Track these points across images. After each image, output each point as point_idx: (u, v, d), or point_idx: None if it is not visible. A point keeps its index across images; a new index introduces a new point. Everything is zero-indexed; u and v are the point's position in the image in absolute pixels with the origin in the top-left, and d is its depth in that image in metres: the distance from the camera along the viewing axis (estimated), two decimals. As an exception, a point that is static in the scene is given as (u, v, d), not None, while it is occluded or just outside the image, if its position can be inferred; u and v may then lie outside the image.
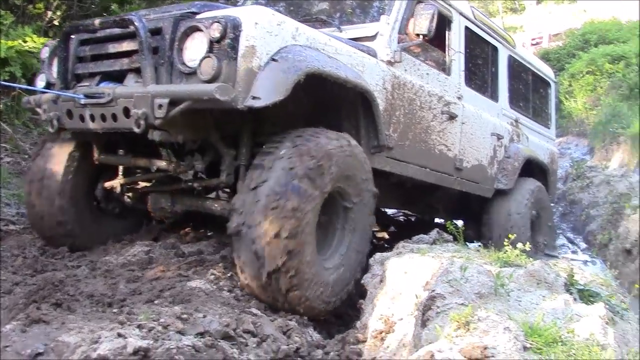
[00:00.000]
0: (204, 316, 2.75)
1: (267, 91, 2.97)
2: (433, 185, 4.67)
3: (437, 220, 6.56)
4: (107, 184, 4.00)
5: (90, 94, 3.30)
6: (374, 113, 3.67)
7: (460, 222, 6.27)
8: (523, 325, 2.21)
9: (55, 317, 2.68)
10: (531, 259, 4.00)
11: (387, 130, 3.93)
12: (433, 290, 2.66)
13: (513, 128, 5.74)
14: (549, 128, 6.72)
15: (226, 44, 2.93)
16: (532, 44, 19.23)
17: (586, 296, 3.11)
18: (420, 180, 4.44)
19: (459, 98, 4.79)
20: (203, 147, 3.53)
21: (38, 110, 3.69)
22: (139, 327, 2.49)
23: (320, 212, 3.22)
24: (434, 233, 4.94)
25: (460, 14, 4.88)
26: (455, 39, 4.80)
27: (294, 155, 3.06)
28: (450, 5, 4.72)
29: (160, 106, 3.00)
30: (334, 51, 3.47)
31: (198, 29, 3.05)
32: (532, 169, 6.03)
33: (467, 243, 5.84)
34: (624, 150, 9.78)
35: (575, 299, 2.90)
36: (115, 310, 2.96)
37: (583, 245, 8.18)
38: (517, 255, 3.86)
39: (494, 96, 5.50)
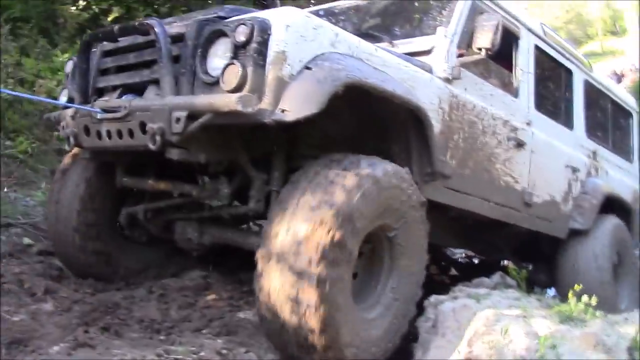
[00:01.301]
0: (246, 351, 2.70)
1: (298, 103, 2.54)
2: (497, 221, 4.10)
3: (504, 262, 5.95)
4: (130, 210, 3.65)
5: (107, 108, 2.97)
6: (427, 135, 3.18)
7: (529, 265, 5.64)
8: None
9: (101, 342, 2.71)
10: (598, 314, 3.44)
11: (443, 155, 3.42)
12: (470, 352, 2.21)
13: (590, 160, 5.09)
14: (631, 163, 6.00)
15: (252, 49, 2.54)
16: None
17: None
18: (483, 216, 3.88)
19: (527, 123, 4.23)
20: (231, 170, 3.14)
21: (58, 127, 3.41)
22: None
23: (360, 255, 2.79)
24: (496, 277, 4.43)
25: (529, 30, 4.36)
26: (524, 58, 4.26)
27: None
28: (517, 19, 4.21)
29: (177, 120, 2.62)
30: (381, 63, 3.02)
31: (223, 34, 2.68)
32: (612, 208, 5.34)
33: (540, 289, 5.21)
34: None
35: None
36: (162, 338, 3.00)
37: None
38: (585, 310, 3.29)
39: (568, 123, 4.90)
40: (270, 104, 2.55)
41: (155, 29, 2.79)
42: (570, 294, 3.61)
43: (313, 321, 2.44)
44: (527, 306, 3.42)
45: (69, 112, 3.24)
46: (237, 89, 2.53)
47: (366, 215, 2.66)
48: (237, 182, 3.13)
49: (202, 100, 2.59)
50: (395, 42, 3.76)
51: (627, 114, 6.04)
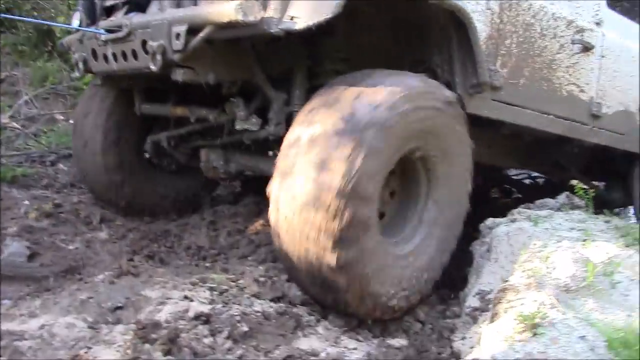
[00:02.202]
0: (288, 279, 2.58)
1: (309, 8, 2.18)
2: (561, 137, 3.65)
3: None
4: (154, 139, 3.45)
5: (110, 27, 2.71)
6: (472, 40, 2.74)
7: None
8: (608, 333, 1.76)
9: (145, 270, 2.73)
10: None
11: (492, 64, 2.98)
12: (506, 281, 2.01)
13: (675, 64, 4.45)
14: None
15: None
16: None
17: None
18: (543, 131, 3.44)
19: (597, 24, 3.67)
20: (250, 90, 2.84)
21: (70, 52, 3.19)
22: (211, 289, 2.42)
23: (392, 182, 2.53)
24: (562, 197, 4.00)
25: None
26: (594, -54, 3.65)
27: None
28: None
29: (177, 36, 2.33)
30: (412, -43, 2.59)
31: None
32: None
33: (614, 210, 4.72)
34: None
35: None
36: (207, 265, 3.01)
37: None
38: None
39: (648, 22, 4.27)
40: (277, 10, 2.21)
41: None
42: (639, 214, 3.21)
43: (331, 258, 2.18)
44: (591, 229, 3.07)
45: (77, 35, 3.00)
46: None
47: (392, 140, 2.32)
48: (256, 104, 2.84)
49: (201, 10, 2.28)
50: None
51: None
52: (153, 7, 2.63)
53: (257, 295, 2.45)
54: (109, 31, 2.71)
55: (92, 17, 2.96)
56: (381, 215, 2.68)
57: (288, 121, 2.71)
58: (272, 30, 2.20)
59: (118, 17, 2.77)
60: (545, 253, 2.33)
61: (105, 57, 2.79)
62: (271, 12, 2.20)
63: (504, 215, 3.79)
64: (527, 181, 5.46)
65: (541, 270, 2.13)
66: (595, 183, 4.71)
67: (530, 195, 5.18)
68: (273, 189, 2.36)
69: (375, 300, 2.37)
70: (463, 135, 2.69)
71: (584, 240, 2.72)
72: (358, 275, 2.27)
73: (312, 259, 2.25)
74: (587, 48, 3.54)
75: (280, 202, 2.30)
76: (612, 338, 1.71)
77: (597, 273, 2.17)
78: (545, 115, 3.38)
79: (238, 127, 2.91)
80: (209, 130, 3.28)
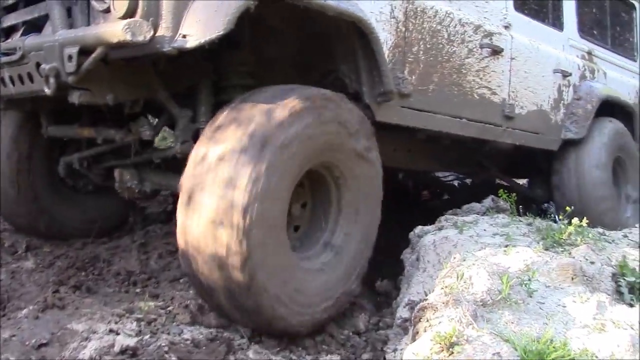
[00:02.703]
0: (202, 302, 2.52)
1: (200, 26, 2.16)
2: (476, 139, 3.73)
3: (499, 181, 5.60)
4: (67, 160, 3.37)
5: (5, 50, 2.62)
6: (374, 49, 2.77)
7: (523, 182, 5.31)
8: (523, 346, 1.76)
9: (72, 301, 2.63)
10: (591, 234, 3.13)
11: (400, 72, 3.03)
12: (425, 300, 1.95)
13: (585, 62, 4.61)
14: (635, 61, 5.47)
15: None
16: None
17: (637, 294, 2.45)
18: (456, 135, 3.51)
19: (505, 27, 3.77)
20: (158, 108, 2.80)
21: None
22: (138, 320, 2.36)
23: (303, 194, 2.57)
24: (487, 201, 4.14)
25: None
26: (498, -48, 3.75)
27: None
28: None
29: (70, 57, 2.27)
30: (313, -30, 2.59)
31: (114, -49, 2.28)
32: (613, 112, 4.90)
33: (539, 206, 4.87)
34: None
35: (616, 299, 2.34)
36: (137, 290, 2.96)
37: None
38: (577, 231, 2.96)
39: (556, 24, 4.40)
40: (169, 29, 2.18)
41: None
42: (560, 216, 3.30)
43: (240, 278, 2.16)
44: (513, 233, 3.17)
45: None
46: (129, 14, 2.16)
47: (296, 156, 2.33)
48: (163, 122, 2.80)
49: (92, 31, 2.23)
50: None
51: (630, 7, 5.45)
52: (47, 29, 2.55)
53: (191, 322, 2.42)
54: (4, 54, 2.62)
55: (-11, 39, 2.85)
56: (296, 228, 2.69)
57: (195, 138, 2.69)
58: (164, 49, 2.17)
59: (14, 39, 2.68)
60: (463, 268, 2.35)
61: (3, 81, 2.70)
62: (163, 30, 2.17)
63: (434, 218, 3.86)
64: (455, 182, 5.56)
65: (459, 286, 2.14)
66: (517, 180, 4.85)
67: (459, 196, 5.31)
68: (179, 210, 2.32)
69: (287, 319, 2.36)
70: (371, 144, 2.71)
71: (506, 247, 2.79)
72: (268, 295, 2.26)
73: (221, 280, 2.23)
74: (496, 51, 3.63)
75: (187, 223, 2.27)
76: (526, 350, 1.72)
77: (515, 283, 2.18)
78: (457, 119, 3.44)
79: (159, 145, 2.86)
80: (121, 150, 3.21)
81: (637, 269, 2.58)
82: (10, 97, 2.89)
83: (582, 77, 4.54)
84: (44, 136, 3.27)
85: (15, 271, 3.05)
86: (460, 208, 4.08)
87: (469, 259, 2.52)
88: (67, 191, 3.59)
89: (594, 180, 4.30)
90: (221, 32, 2.15)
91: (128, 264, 3.23)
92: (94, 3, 2.32)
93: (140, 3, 2.15)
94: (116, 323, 2.30)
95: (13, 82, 2.63)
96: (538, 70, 4.04)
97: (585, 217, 2.93)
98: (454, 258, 2.59)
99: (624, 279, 2.48)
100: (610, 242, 3.29)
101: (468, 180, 5.56)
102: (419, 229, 3.48)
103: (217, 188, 2.18)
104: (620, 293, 2.45)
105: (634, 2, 5.46)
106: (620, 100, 4.77)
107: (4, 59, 2.60)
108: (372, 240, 2.82)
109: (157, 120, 2.96)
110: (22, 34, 2.71)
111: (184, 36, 2.17)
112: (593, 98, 4.44)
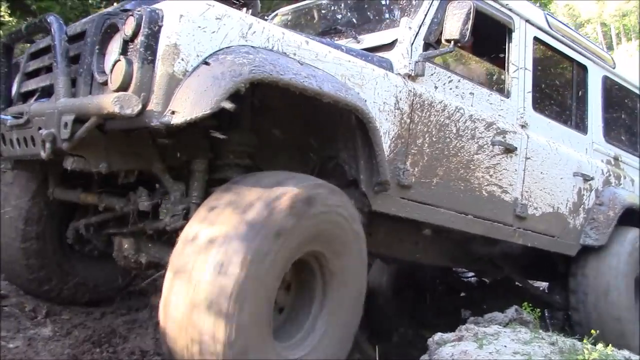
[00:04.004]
0: None
1: (188, 104, 2.20)
2: (487, 237, 3.62)
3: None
4: (75, 225, 3.42)
5: (14, 114, 2.73)
6: (372, 139, 2.76)
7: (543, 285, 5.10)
8: None
9: None
10: None
11: (401, 162, 3.01)
12: None
13: (610, 167, 4.50)
14: (668, 169, 5.30)
15: (140, 42, 2.23)
16: None
17: None
18: (460, 231, 3.42)
19: (522, 126, 3.73)
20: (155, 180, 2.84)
21: None
22: None
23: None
24: (511, 311, 4.00)
25: (527, 21, 3.85)
26: (518, 52, 3.76)
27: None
28: (510, 9, 3.72)
29: (65, 125, 2.34)
30: (314, 57, 2.65)
31: (117, 28, 2.39)
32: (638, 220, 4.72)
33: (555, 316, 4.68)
34: None
35: None
36: None
37: None
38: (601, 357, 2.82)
39: (580, 127, 4.34)
40: (159, 104, 2.22)
41: (52, 26, 2.53)
42: (585, 340, 3.14)
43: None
44: (535, 353, 3.02)
45: None
46: (123, 87, 2.22)
47: (288, 245, 2.32)
48: (160, 194, 2.82)
49: (86, 101, 2.30)
50: (361, 36, 3.38)
51: (663, 115, 5.34)
52: (53, 95, 2.66)
53: None
54: (15, 117, 2.73)
55: (8, 102, 2.99)
56: (280, 310, 2.63)
57: (186, 213, 2.70)
58: (152, 124, 2.21)
59: (25, 105, 2.81)
60: None
61: (12, 142, 2.80)
62: (153, 105, 2.22)
63: (449, 314, 3.69)
64: (473, 279, 5.38)
65: None
66: (532, 282, 4.66)
67: (477, 294, 5.13)
68: (165, 287, 2.29)
69: None
70: (358, 234, 2.67)
71: None
72: None
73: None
74: (509, 150, 3.58)
75: (171, 302, 2.23)
76: None
77: None
78: (463, 215, 3.36)
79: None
80: (123, 219, 3.25)
81: None
82: (18, 159, 2.99)
83: (606, 182, 4.42)
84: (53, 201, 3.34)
85: (32, 338, 3.04)
86: (482, 316, 3.94)
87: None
88: (77, 256, 3.61)
89: (613, 291, 4.07)
90: (208, 111, 2.18)
91: (143, 342, 3.21)
92: (97, 76, 2.42)
93: (134, 78, 2.21)
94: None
95: (19, 144, 2.73)
96: (555, 171, 3.95)
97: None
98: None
99: None
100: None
101: (487, 279, 5.38)
102: (437, 336, 3.34)
103: (207, 272, 2.15)
104: None
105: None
106: (647, 209, 4.59)
107: (13, 122, 2.70)
108: (355, 329, 2.74)
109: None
110: (36, 99, 2.84)
111: (173, 112, 2.21)
112: (616, 205, 4.29)
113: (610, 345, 2.78)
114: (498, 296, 5.05)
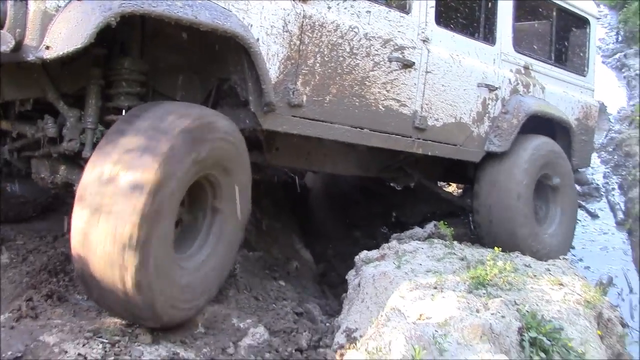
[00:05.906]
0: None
1: (61, 38, 2.35)
2: (387, 149, 3.88)
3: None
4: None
5: None
6: (255, 63, 2.94)
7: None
8: None
9: (44, 310, 2.77)
10: (513, 274, 3.32)
11: (291, 83, 3.20)
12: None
13: (519, 76, 4.70)
14: (584, 76, 5.51)
15: None
16: None
17: (537, 347, 2.66)
18: (358, 144, 3.67)
19: (423, 41, 3.90)
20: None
21: None
22: (103, 344, 2.48)
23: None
24: (430, 226, 4.38)
25: None
26: (419, -32, 3.87)
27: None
28: None
29: None
30: (192, -12, 2.77)
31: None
32: (553, 127, 4.99)
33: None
34: None
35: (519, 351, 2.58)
36: None
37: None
38: (501, 271, 3.19)
39: (488, 38, 4.51)
40: (34, 39, 2.37)
41: None
42: (489, 257, 3.45)
43: (129, 280, 2.39)
44: (446, 270, 3.38)
45: None
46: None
47: (184, 169, 2.57)
48: (62, 121, 3.01)
49: None
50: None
51: (581, 22, 5.48)
52: None
53: (154, 341, 2.59)
54: None
55: None
56: (177, 224, 2.90)
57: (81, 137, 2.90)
58: (28, 59, 2.37)
59: None
60: (385, 330, 2.46)
61: None
62: (28, 41, 2.37)
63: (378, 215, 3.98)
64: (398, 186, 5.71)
65: (378, 351, 2.29)
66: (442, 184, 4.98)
67: (400, 197, 5.48)
68: (80, 218, 2.48)
69: (172, 314, 2.63)
70: (242, 155, 2.94)
71: (434, 288, 3.01)
72: (155, 292, 2.50)
73: (117, 282, 2.43)
74: (407, 65, 3.76)
75: (91, 235, 2.46)
76: None
77: (429, 343, 2.33)
78: (358, 129, 3.59)
79: None
80: (39, 143, 3.43)
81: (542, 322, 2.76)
82: None
83: (514, 91, 4.63)
84: None
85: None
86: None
87: (393, 319, 2.58)
88: (11, 179, 3.83)
89: (510, 195, 4.39)
90: (79, 46, 2.34)
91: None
92: None
93: (8, 16, 2.34)
94: (83, 346, 2.45)
95: None
96: (458, 83, 4.16)
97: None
98: (381, 316, 2.66)
99: (527, 334, 2.65)
100: (532, 277, 3.46)
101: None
102: (363, 254, 3.70)
103: (115, 200, 2.41)
104: (523, 347, 2.62)
105: (587, 17, 5.49)
106: (553, 115, 4.84)
107: None
108: (240, 239, 3.09)
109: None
110: None
111: (47, 47, 2.36)
112: (520, 112, 4.54)
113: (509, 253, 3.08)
114: (418, 199, 5.43)
